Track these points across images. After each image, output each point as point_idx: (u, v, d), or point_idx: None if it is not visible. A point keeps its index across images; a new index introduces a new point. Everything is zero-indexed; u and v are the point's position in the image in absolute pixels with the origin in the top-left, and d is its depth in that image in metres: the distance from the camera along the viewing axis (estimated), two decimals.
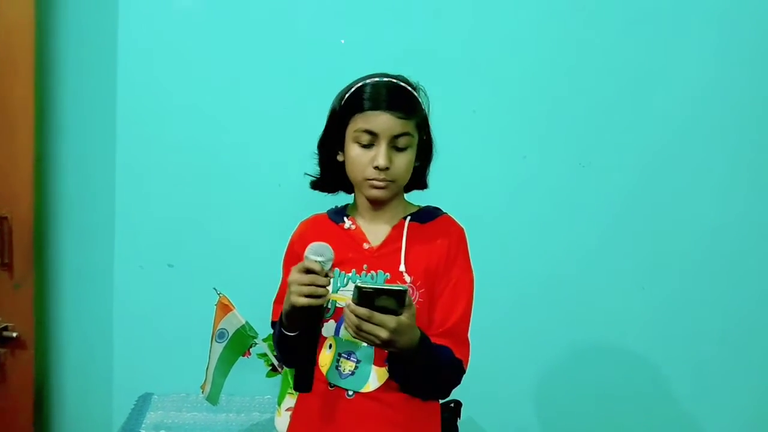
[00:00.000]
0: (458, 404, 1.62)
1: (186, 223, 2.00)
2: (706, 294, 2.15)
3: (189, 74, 1.97)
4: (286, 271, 1.34)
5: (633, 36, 2.06)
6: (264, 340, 1.69)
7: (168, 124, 1.98)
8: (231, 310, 1.68)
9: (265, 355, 1.76)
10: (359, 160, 1.27)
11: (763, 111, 2.11)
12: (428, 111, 1.33)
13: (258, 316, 1.60)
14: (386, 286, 1.17)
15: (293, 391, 1.73)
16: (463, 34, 2.03)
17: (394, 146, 1.26)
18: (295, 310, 1.20)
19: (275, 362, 1.76)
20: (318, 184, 1.39)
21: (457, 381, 1.31)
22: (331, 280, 1.22)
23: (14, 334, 1.86)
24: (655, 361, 2.15)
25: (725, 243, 2.14)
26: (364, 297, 1.14)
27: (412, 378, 1.26)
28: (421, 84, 1.33)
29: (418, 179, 1.37)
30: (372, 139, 1.25)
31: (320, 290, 1.17)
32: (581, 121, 2.08)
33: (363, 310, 1.14)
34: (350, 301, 1.16)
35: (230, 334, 1.68)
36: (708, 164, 2.12)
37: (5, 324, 1.86)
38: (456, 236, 1.33)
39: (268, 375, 1.80)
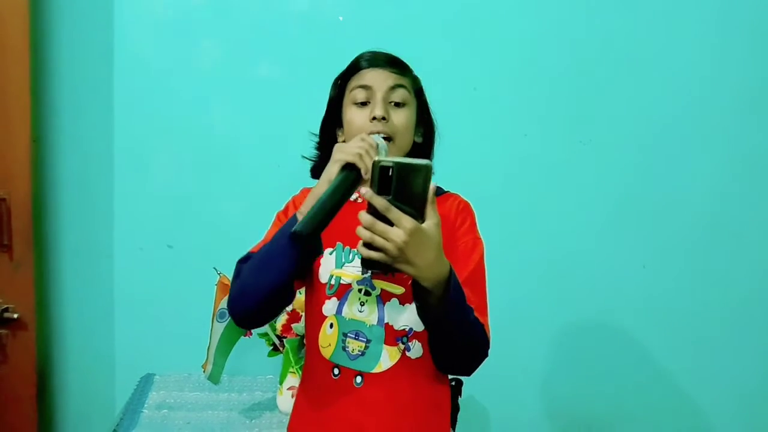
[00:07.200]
0: (459, 382, 1.62)
1: (185, 203, 1.99)
2: (708, 272, 2.15)
3: (186, 53, 1.95)
4: (275, 226, 1.28)
5: (634, 11, 2.04)
6: None
7: (166, 102, 1.96)
8: None
9: (266, 335, 1.76)
10: (356, 118, 1.25)
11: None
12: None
13: None
14: (408, 160, 0.99)
15: (295, 370, 1.74)
16: (462, 10, 2.00)
17: (390, 102, 1.25)
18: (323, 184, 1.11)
19: (277, 342, 1.76)
20: (318, 170, 1.33)
21: (483, 351, 1.17)
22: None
23: (15, 316, 1.85)
24: (654, 338, 2.16)
25: (727, 221, 2.14)
26: (382, 181, 0.98)
27: (444, 325, 1.10)
28: (422, 61, 1.33)
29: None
30: (368, 95, 1.24)
31: (368, 158, 1.09)
32: (582, 99, 2.07)
33: (380, 200, 0.98)
34: (368, 189, 0.99)
35: None
36: (710, 141, 2.11)
37: (6, 305, 1.85)
38: (462, 207, 1.30)
39: (270, 354, 1.80)
